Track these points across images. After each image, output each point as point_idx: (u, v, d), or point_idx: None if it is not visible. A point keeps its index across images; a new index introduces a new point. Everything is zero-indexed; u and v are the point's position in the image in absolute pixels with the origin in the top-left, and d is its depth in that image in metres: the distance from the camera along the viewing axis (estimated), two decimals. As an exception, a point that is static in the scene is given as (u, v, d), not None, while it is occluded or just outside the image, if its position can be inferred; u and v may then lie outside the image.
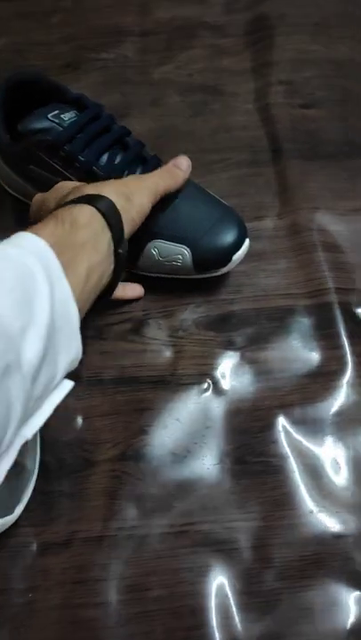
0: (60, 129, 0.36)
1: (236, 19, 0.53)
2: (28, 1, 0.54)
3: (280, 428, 0.35)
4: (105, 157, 0.37)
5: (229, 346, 0.37)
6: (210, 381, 0.36)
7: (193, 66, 0.50)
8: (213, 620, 0.30)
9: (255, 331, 0.38)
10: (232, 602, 0.30)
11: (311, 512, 0.32)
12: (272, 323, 0.38)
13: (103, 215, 0.29)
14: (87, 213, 0.28)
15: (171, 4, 0.54)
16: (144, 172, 0.37)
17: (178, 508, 0.33)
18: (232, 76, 0.49)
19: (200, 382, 0.36)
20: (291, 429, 0.35)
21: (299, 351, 0.37)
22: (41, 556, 0.31)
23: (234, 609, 0.30)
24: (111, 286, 0.31)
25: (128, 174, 0.37)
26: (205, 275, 0.37)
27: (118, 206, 0.30)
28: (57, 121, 0.36)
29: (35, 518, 0.32)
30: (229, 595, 0.31)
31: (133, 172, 0.37)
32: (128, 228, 0.31)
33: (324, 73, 0.49)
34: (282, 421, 0.35)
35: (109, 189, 0.30)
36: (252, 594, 0.31)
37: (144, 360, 0.37)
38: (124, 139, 0.38)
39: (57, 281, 0.24)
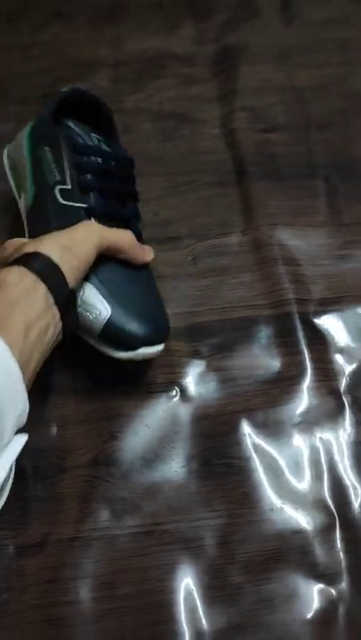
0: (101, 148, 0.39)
1: (204, 50, 0.56)
2: (7, 34, 0.57)
3: (243, 431, 0.37)
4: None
5: (196, 355, 0.40)
6: (177, 389, 0.38)
7: (163, 94, 0.53)
8: (180, 614, 0.32)
9: (220, 340, 0.40)
10: (197, 596, 0.32)
11: (272, 510, 0.35)
12: (236, 332, 0.41)
13: (34, 271, 0.29)
14: (16, 273, 0.29)
15: (142, 36, 0.58)
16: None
17: (147, 510, 0.35)
18: (200, 103, 0.52)
19: (168, 390, 0.38)
20: (253, 432, 0.37)
21: (261, 358, 0.40)
22: (16, 558, 0.33)
23: (199, 603, 0.32)
24: (66, 333, 0.31)
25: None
26: (104, 347, 0.36)
27: (56, 258, 0.30)
28: (96, 142, 0.39)
29: (11, 522, 0.34)
30: (195, 590, 0.32)
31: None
32: (72, 276, 0.31)
33: (285, 99, 0.53)
34: (245, 425, 0.37)
35: (49, 243, 0.32)
36: (216, 588, 0.32)
37: (111, 374, 0.39)
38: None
39: None
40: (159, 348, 0.36)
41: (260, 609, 0.32)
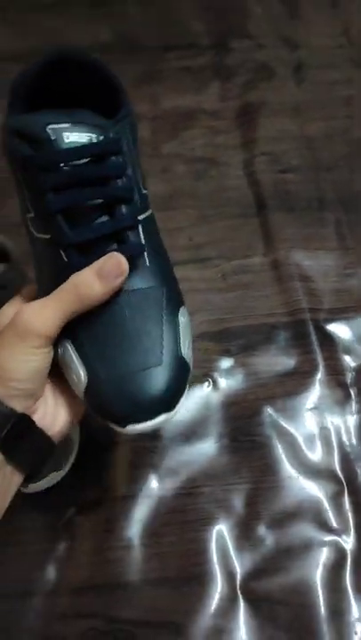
0: (56, 149, 0.28)
1: (228, 105, 0.67)
2: None
3: (265, 414, 0.45)
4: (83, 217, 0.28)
5: (225, 353, 0.48)
6: (210, 380, 0.47)
7: (195, 142, 0.64)
8: (214, 558, 0.39)
9: (246, 342, 0.49)
10: (228, 545, 0.39)
11: (290, 478, 0.42)
12: (259, 335, 0.49)
13: None
14: None
15: (175, 94, 0.69)
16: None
17: (185, 475, 0.42)
18: (226, 149, 0.63)
19: (202, 381, 0.47)
20: (274, 415, 0.45)
21: (280, 357, 0.48)
22: (78, 513, 0.41)
23: (230, 550, 0.39)
24: (34, 471, 0.30)
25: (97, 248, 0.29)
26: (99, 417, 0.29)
27: None
28: (54, 137, 0.28)
29: (73, 484, 0.42)
30: (227, 540, 0.40)
31: (104, 250, 0.29)
32: (9, 397, 0.28)
33: (298, 146, 0.63)
34: (267, 409, 0.45)
35: None
36: (244, 539, 0.40)
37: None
38: (121, 203, 0.29)
39: None
40: (155, 421, 0.28)
41: (280, 556, 0.39)
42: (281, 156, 0.62)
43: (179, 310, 0.31)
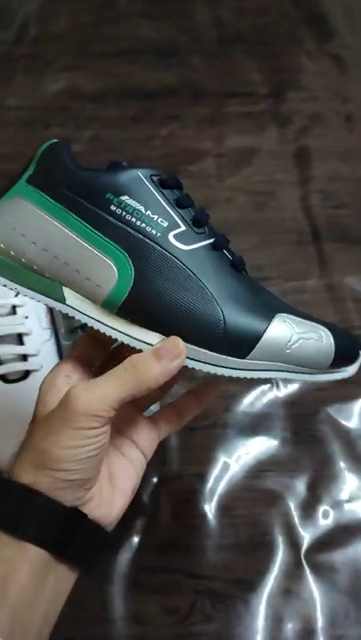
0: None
1: (285, 148, 0.79)
2: (134, 129, 0.80)
3: (323, 413, 0.53)
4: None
5: (286, 360, 0.57)
6: (274, 382, 0.55)
7: (255, 178, 0.75)
8: (280, 530, 0.47)
9: (304, 351, 0.57)
10: (294, 520, 0.48)
11: (343, 468, 0.50)
12: (316, 346, 0.58)
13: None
14: None
15: (237, 136, 0.81)
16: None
17: (253, 460, 0.51)
18: (284, 186, 0.74)
19: (267, 383, 0.55)
20: (330, 413, 0.53)
21: (335, 365, 0.56)
22: (159, 486, 0.49)
23: (295, 525, 0.47)
24: (89, 567, 0.30)
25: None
26: (337, 373, 0.34)
27: (27, 480, 0.27)
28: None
29: (156, 461, 0.49)
30: (291, 516, 0.48)
31: None
32: (58, 490, 0.27)
33: (349, 185, 0.74)
34: (323, 409, 0.53)
35: (19, 464, 0.28)
36: (307, 516, 0.48)
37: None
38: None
39: None
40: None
41: (339, 532, 0.48)
42: (334, 193, 0.73)
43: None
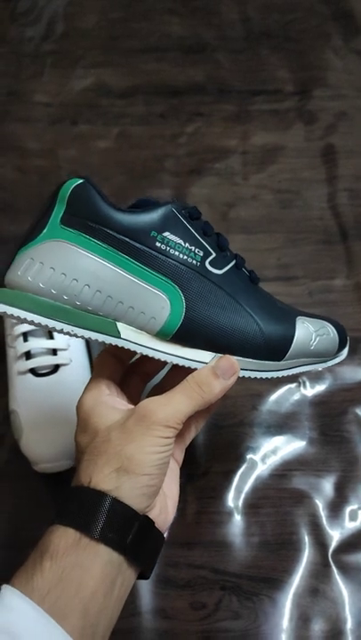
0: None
1: (312, 145, 0.79)
2: (161, 126, 0.80)
3: (351, 414, 0.53)
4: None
5: (313, 359, 0.56)
6: (301, 381, 0.55)
7: (281, 176, 0.75)
8: (307, 530, 0.47)
9: (331, 351, 0.57)
10: (322, 520, 0.48)
11: (373, 469, 0.50)
12: (343, 346, 0.57)
13: (76, 528, 0.29)
14: (59, 533, 0.29)
15: (263, 133, 0.81)
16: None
17: (281, 459, 0.50)
18: (311, 183, 0.73)
19: (294, 382, 0.55)
20: (358, 414, 0.53)
21: (363, 366, 0.56)
22: (188, 482, 0.49)
23: (322, 525, 0.47)
24: (148, 569, 0.33)
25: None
26: (338, 357, 0.42)
27: (108, 486, 0.29)
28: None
29: (184, 457, 0.50)
30: (318, 516, 0.48)
31: None
32: (139, 497, 0.30)
33: (376, 185, 0.73)
34: (352, 409, 0.53)
35: (100, 471, 0.30)
36: (334, 516, 0.48)
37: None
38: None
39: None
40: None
41: None
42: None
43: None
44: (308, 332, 0.38)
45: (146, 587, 0.46)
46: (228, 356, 0.35)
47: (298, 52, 0.94)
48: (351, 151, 0.79)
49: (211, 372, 0.34)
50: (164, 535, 0.34)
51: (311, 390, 0.55)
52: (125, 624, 0.45)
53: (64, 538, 0.29)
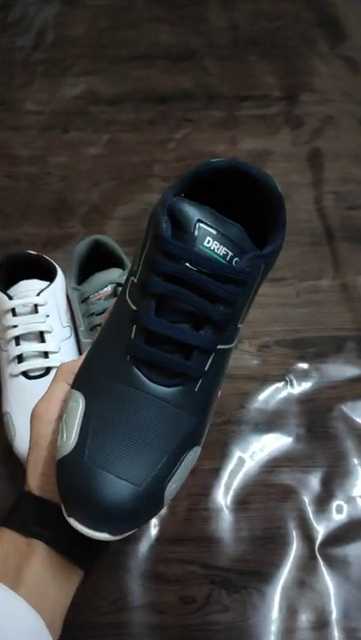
0: (190, 248, 0.30)
1: (299, 149, 0.80)
2: (150, 133, 0.82)
3: (337, 411, 0.54)
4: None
5: (301, 358, 0.58)
6: (288, 379, 0.56)
7: (269, 179, 0.76)
8: (295, 524, 0.48)
9: (318, 350, 0.59)
10: (308, 515, 0.49)
11: (357, 465, 0.51)
12: (330, 345, 0.60)
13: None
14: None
15: (251, 138, 0.82)
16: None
17: (269, 455, 0.52)
18: (298, 187, 0.75)
19: (281, 380, 0.57)
20: (344, 411, 0.54)
21: (349, 365, 0.59)
22: (176, 480, 0.50)
23: (309, 519, 0.49)
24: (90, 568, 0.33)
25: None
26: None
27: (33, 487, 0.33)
28: (197, 234, 0.30)
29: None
30: (305, 511, 0.49)
31: (165, 352, 0.30)
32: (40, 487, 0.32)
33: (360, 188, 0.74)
34: (338, 407, 0.54)
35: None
36: (321, 511, 0.49)
37: (240, 364, 0.57)
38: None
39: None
40: (93, 533, 0.28)
41: (353, 527, 0.48)
42: (347, 195, 0.74)
43: (192, 448, 0.31)
44: None
45: (136, 582, 0.47)
46: None
47: (285, 58, 0.96)
48: (337, 154, 0.81)
49: None
50: None
51: (298, 388, 0.57)
52: (117, 618, 0.46)
53: (1, 532, 0.32)
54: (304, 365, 0.59)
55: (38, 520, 0.31)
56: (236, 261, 0.30)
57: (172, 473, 0.29)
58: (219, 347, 0.31)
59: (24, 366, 0.52)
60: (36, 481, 0.32)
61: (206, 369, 0.31)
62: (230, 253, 0.30)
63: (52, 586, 0.31)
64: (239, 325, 0.33)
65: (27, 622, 0.29)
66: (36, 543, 0.31)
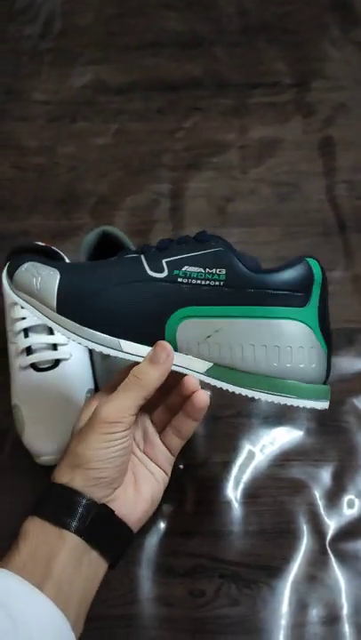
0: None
1: (310, 137, 0.79)
2: (159, 122, 0.81)
3: (349, 404, 0.54)
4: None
5: (311, 350, 0.57)
6: (298, 372, 0.55)
7: (279, 169, 0.75)
8: (305, 518, 0.48)
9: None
10: (319, 509, 0.49)
11: (371, 457, 0.50)
12: (341, 338, 0.59)
13: (41, 516, 0.33)
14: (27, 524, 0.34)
15: (261, 126, 0.81)
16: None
17: (279, 449, 0.51)
18: (309, 176, 0.74)
19: (291, 373, 0.55)
20: (355, 404, 0.53)
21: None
22: (187, 472, 0.50)
23: (320, 514, 0.48)
24: (115, 558, 0.35)
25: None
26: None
27: (64, 479, 0.34)
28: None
29: (183, 448, 0.51)
30: (316, 505, 0.49)
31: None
32: (90, 487, 0.34)
33: (374, 176, 0.73)
34: (351, 400, 0.54)
35: (59, 469, 0.35)
36: (332, 505, 0.49)
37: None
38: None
39: (24, 605, 0.30)
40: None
41: None
42: (359, 184, 0.73)
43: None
44: None
45: (146, 575, 0.47)
46: (161, 341, 0.36)
47: (295, 44, 0.94)
48: (350, 143, 0.79)
49: (147, 360, 0.36)
50: (133, 530, 0.37)
51: (309, 381, 0.56)
52: (127, 611, 0.46)
53: (32, 523, 0.34)
54: (315, 358, 0.58)
55: (70, 512, 0.33)
56: None
57: None
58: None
59: (33, 358, 0.51)
60: (71, 473, 0.34)
61: None
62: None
63: (80, 580, 0.33)
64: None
65: (52, 624, 0.30)
66: (66, 534, 0.33)
